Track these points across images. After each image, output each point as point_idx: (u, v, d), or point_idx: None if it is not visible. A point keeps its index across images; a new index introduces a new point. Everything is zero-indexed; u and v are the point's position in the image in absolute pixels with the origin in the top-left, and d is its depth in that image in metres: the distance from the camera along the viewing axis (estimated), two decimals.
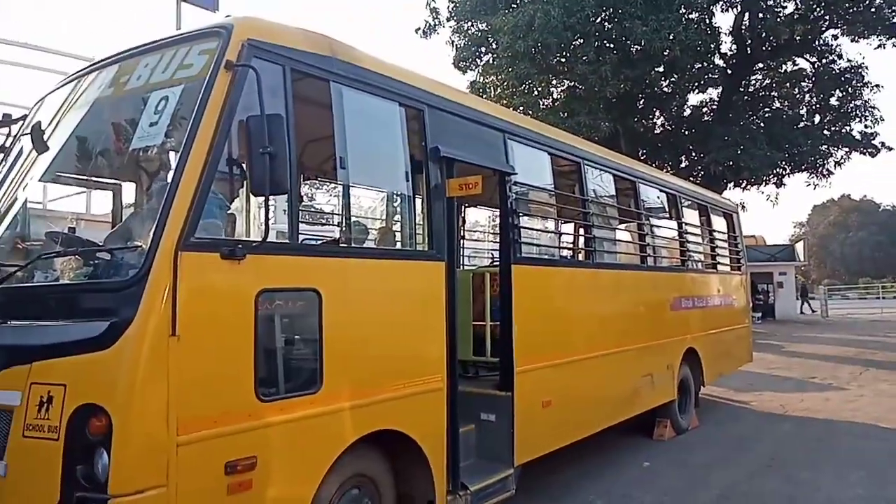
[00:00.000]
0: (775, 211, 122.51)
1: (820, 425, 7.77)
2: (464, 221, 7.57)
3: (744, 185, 19.90)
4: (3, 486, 2.57)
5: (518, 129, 4.92)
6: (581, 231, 5.81)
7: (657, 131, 21.31)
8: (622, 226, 6.35)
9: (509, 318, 4.48)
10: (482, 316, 4.80)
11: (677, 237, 7.54)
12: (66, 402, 2.43)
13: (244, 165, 2.81)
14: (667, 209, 7.45)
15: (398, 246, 4.40)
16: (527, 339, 4.62)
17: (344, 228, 4.65)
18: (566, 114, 17.37)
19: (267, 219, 2.76)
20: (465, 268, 6.76)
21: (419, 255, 3.90)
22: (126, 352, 2.40)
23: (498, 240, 4.67)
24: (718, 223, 8.94)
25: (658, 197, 7.23)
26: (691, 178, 16.17)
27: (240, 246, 2.75)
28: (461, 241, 7.43)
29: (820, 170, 19.37)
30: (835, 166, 19.29)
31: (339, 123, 3.35)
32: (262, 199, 2.76)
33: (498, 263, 4.69)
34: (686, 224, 7.67)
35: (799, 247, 29.78)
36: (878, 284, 41.17)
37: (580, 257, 6.10)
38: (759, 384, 10.69)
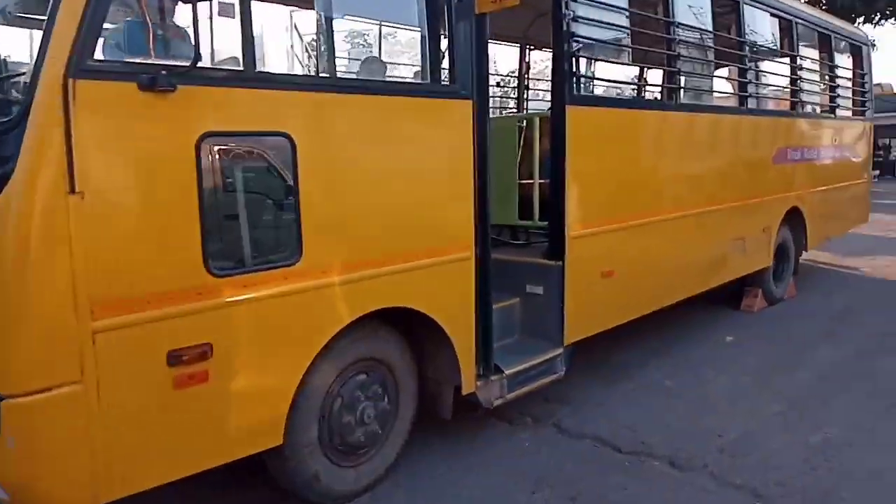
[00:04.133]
0: None
1: None
2: (528, 67, 6.47)
3: (877, 18, 16.80)
4: None
5: None
6: (659, 64, 4.63)
7: None
8: (716, 58, 5.10)
9: (561, 172, 3.63)
10: (531, 173, 3.95)
11: (788, 73, 6.15)
12: None
13: None
14: (776, 38, 6.01)
15: (408, 79, 3.55)
16: (583, 198, 3.80)
17: (327, 55, 3.77)
18: None
19: (197, 35, 2.02)
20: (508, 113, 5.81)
21: (436, 90, 3.05)
22: (6, 216, 1.83)
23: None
24: (842, 58, 7.32)
25: (766, 22, 5.79)
26: None
27: (164, 73, 2.04)
28: (525, 91, 6.41)
29: None
30: None
31: None
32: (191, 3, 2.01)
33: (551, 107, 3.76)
34: (801, 58, 6.21)
35: None
36: None
37: (656, 97, 4.98)
38: (874, 247, 9.39)
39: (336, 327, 2.59)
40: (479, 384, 3.29)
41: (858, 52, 7.68)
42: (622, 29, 4.03)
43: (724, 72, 5.51)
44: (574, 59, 3.62)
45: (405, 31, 3.72)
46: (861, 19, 16.66)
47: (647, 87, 5.75)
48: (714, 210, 5.00)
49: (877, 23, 16.99)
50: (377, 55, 3.49)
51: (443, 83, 3.04)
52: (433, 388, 3.30)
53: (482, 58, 3.15)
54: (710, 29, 4.89)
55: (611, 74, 4.10)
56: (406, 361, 3.12)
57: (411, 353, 3.15)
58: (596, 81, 4.12)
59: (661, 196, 4.46)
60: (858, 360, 4.68)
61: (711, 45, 4.99)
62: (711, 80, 5.08)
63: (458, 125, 3.03)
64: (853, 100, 7.64)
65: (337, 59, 3.53)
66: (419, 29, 3.05)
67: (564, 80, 3.59)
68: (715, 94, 5.27)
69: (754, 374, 4.46)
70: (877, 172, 21.38)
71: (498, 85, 6.86)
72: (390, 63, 3.93)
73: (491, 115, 4.28)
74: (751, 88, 5.43)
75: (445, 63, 2.98)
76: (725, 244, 5.30)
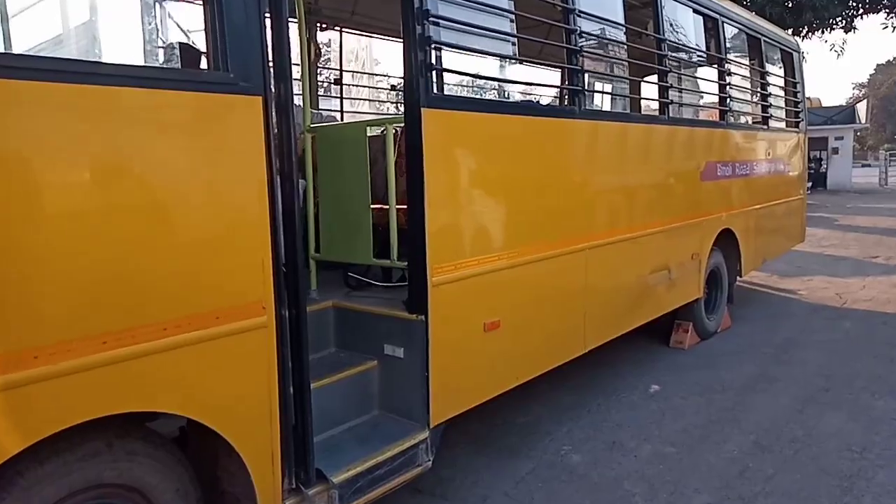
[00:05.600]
0: (831, 72, 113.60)
1: (891, 323, 6.02)
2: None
3: (805, 31, 16.77)
4: None
5: None
6: (558, 60, 3.76)
7: None
8: (630, 56, 4.31)
9: (419, 196, 2.72)
10: (386, 195, 3.01)
11: (716, 79, 5.45)
12: None
13: None
14: (702, 39, 5.30)
15: (147, 61, 2.55)
16: (453, 228, 2.90)
17: None
18: None
19: None
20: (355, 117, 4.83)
21: (192, 80, 2.04)
22: None
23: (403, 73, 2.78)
24: (773, 66, 6.72)
25: (689, 19, 5.07)
26: None
27: None
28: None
29: None
30: None
31: None
32: None
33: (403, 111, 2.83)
34: (730, 62, 5.53)
35: (861, 107, 26.53)
36: None
37: (551, 101, 4.13)
38: (809, 266, 8.89)
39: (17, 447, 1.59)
40: (291, 503, 2.31)
41: (790, 59, 7.12)
42: (503, 13, 3.16)
43: (638, 73, 4.72)
44: (431, 48, 2.72)
45: None
46: (789, 32, 16.59)
47: (542, 89, 4.93)
48: (632, 237, 4.19)
49: (804, 36, 16.95)
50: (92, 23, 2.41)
51: (208, 72, 2.06)
52: None
53: (281, 37, 2.20)
54: (622, 22, 4.10)
55: (488, 69, 3.17)
56: (176, 482, 2.11)
57: (192, 465, 2.15)
58: (465, 78, 3.22)
59: (561, 223, 3.59)
60: (799, 418, 3.91)
61: (624, 41, 4.19)
62: (623, 83, 4.28)
63: (237, 131, 2.06)
64: (787, 110, 7.06)
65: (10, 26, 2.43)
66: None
67: (419, 76, 2.68)
68: (630, 99, 4.47)
69: (680, 444, 3.62)
70: (809, 184, 21.63)
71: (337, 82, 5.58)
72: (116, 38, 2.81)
73: (335, 121, 3.35)
74: (673, 94, 4.67)
75: (213, 42, 2.01)
76: (647, 276, 4.49)
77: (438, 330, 2.82)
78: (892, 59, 57.98)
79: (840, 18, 16.25)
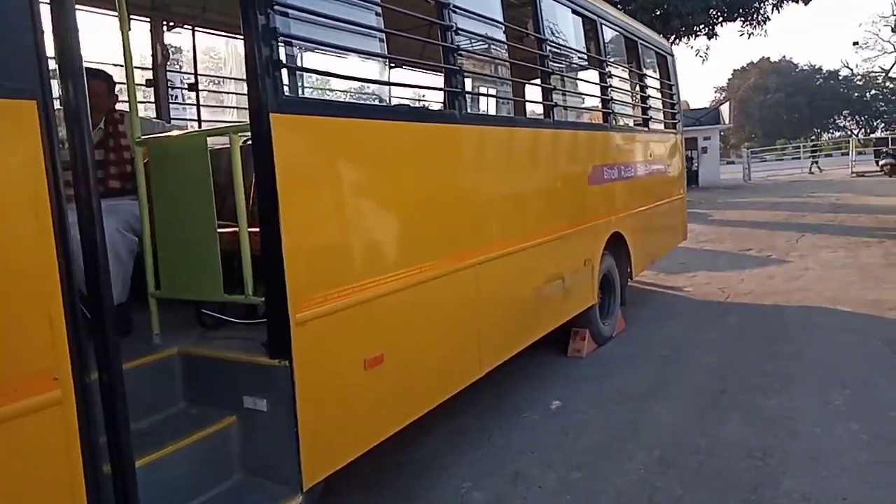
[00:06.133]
0: (695, 77, 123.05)
1: (771, 315, 6.23)
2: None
3: (672, 38, 17.75)
4: None
5: None
6: (436, 62, 3.43)
7: None
8: (510, 58, 4.07)
9: (273, 218, 2.27)
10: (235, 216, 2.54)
11: (598, 81, 5.37)
12: None
13: None
14: (581, 40, 5.20)
15: None
16: (316, 254, 2.47)
17: None
18: None
19: None
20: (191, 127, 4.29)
21: None
22: None
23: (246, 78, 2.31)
24: (651, 69, 6.82)
25: (569, 20, 4.94)
26: None
27: None
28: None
29: (755, 16, 17.33)
30: (772, 10, 17.27)
31: None
32: None
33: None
34: (610, 64, 5.48)
35: (724, 109, 28.58)
36: (795, 145, 41.15)
37: (421, 104, 3.82)
38: (691, 262, 9.19)
39: None
40: None
41: (665, 62, 7.28)
42: (368, 5, 2.78)
43: (525, 76, 4.51)
44: (278, 42, 2.29)
45: None
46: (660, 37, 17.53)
47: (422, 93, 4.63)
48: (524, 247, 3.94)
49: (672, 41, 17.99)
50: None
51: None
52: None
53: (66, 26, 1.69)
54: (501, 20, 3.85)
55: (355, 70, 2.76)
56: None
57: None
58: (323, 79, 2.82)
59: (447, 238, 3.26)
60: (700, 426, 3.81)
61: (504, 41, 3.94)
62: (508, 85, 4.03)
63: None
64: (665, 112, 7.20)
65: None
66: None
67: (265, 76, 2.24)
68: (515, 104, 4.23)
69: (586, 466, 3.38)
70: None
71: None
72: None
73: (166, 132, 2.85)
74: (557, 97, 4.49)
75: None
76: (542, 287, 4.27)
77: (306, 375, 2.38)
78: (745, 66, 63.66)
79: (703, 25, 17.32)
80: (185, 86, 4.76)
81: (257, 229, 2.39)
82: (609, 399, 4.29)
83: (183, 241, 2.62)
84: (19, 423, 1.57)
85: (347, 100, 3.66)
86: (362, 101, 2.99)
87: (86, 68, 1.78)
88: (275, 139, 2.23)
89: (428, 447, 3.67)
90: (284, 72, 2.29)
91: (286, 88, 2.32)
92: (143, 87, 4.41)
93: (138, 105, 2.90)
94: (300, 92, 2.36)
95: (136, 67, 4.55)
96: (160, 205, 2.66)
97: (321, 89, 3.30)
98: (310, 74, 2.46)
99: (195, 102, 4.66)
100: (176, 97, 5.25)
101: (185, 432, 2.40)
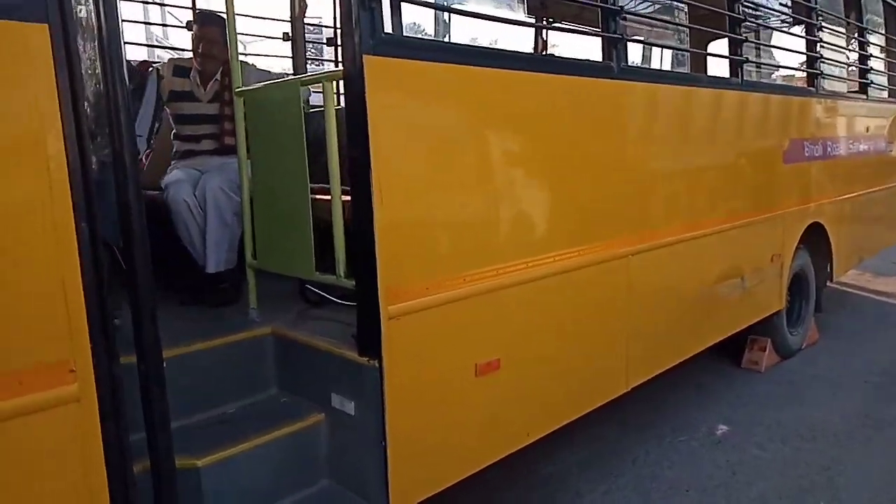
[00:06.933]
0: None
1: None
2: None
3: None
4: None
5: None
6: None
7: None
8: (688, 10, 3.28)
9: (364, 182, 1.85)
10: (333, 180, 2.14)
11: (801, 32, 4.31)
12: None
13: None
14: None
15: None
16: (418, 231, 2.01)
17: None
18: None
19: None
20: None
21: None
22: None
23: None
24: (875, 18, 5.48)
25: None
26: None
27: None
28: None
29: None
30: None
31: None
32: None
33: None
34: (818, 11, 4.38)
35: None
36: None
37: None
38: None
39: None
40: None
41: (894, 13, 5.83)
42: None
43: (706, 24, 3.66)
44: None
45: None
46: None
47: (567, 42, 3.95)
48: (693, 237, 3.19)
49: None
50: None
51: None
52: None
53: None
54: None
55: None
56: None
57: None
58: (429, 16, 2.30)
59: (592, 220, 2.64)
60: None
61: None
62: (685, 33, 3.25)
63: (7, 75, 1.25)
64: (890, 76, 5.78)
65: None
66: None
67: (360, 11, 1.79)
68: (690, 57, 3.43)
69: None
70: None
71: None
72: None
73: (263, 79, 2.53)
74: (748, 50, 3.59)
75: None
76: (713, 287, 3.47)
77: (399, 379, 1.95)
78: None
79: None
80: (324, 40, 4.60)
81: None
82: (794, 432, 3.41)
83: (277, 208, 2.30)
84: (24, 423, 1.29)
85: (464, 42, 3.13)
86: (484, 46, 2.44)
87: (201, 12, 1.46)
88: (368, 87, 1.79)
89: (559, 461, 3.11)
90: (382, 5, 1.82)
91: (387, 25, 1.86)
92: (280, 41, 4.30)
93: (272, 59, 2.61)
94: (401, 30, 1.89)
95: (272, 20, 4.52)
96: (256, 163, 2.37)
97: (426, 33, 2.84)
98: (416, 7, 1.96)
99: (333, 58, 4.49)
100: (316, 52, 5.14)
101: (271, 424, 2.10)
